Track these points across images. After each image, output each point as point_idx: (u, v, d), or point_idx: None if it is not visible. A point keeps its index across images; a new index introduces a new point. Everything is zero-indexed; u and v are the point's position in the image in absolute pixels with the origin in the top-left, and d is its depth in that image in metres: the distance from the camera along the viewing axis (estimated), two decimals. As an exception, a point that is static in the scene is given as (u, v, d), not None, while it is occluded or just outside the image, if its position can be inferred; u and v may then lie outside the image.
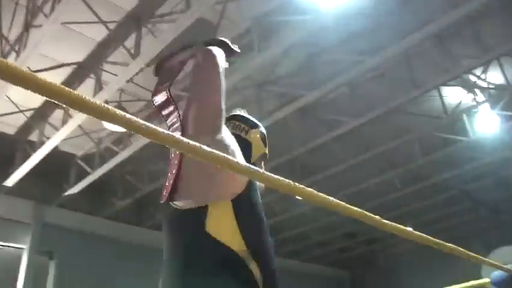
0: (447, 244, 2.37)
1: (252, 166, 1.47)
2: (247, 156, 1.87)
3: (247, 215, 1.64)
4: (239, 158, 1.67)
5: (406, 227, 2.12)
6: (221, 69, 1.86)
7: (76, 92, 1.02)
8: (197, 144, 1.22)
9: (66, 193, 8.57)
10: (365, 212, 1.80)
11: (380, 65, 6.54)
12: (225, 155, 1.33)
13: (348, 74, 6.24)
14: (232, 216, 1.58)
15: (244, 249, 1.54)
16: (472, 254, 2.71)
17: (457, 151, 8.70)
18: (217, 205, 1.58)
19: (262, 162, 2.06)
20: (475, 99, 7.64)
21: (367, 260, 14.46)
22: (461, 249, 2.51)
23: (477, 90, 7.53)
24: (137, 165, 9.11)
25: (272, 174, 1.45)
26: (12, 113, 7.26)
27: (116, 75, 6.15)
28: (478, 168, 9.30)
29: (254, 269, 1.53)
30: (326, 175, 8.76)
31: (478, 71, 7.21)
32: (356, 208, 1.75)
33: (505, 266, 3.14)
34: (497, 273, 3.30)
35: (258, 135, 2.04)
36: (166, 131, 1.18)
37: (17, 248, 8.68)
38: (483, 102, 7.61)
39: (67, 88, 1.00)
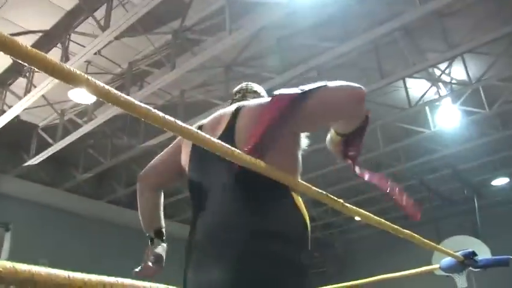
0: (404, 230, 2.46)
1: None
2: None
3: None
4: None
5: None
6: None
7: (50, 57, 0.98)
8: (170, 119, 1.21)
9: (26, 164, 8.39)
10: (328, 194, 1.83)
11: (349, 53, 6.62)
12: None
13: (317, 59, 6.29)
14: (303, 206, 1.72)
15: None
16: (427, 240, 2.83)
17: (418, 142, 8.97)
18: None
19: None
20: (438, 92, 7.85)
21: (324, 244, 14.80)
22: (417, 235, 2.61)
23: (440, 84, 7.74)
24: (100, 139, 9.00)
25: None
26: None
27: (84, 46, 6.01)
28: (436, 159, 9.62)
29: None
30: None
31: (442, 66, 7.41)
32: (319, 190, 1.78)
33: (454, 253, 3.30)
34: (446, 260, 3.46)
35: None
36: (141, 104, 1.15)
37: (-29, 217, 8.48)
38: (445, 96, 7.83)
39: (42, 53, 0.96)
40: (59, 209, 9.42)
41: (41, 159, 8.16)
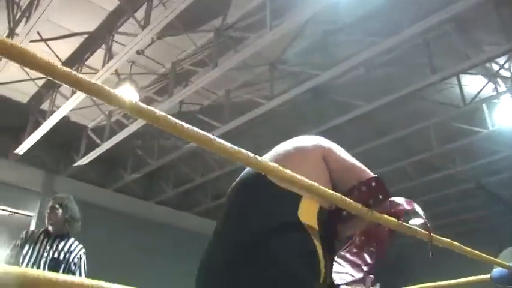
0: (441, 238, 2.22)
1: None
2: None
3: (325, 227, 1.65)
4: None
5: None
6: None
7: (73, 72, 0.99)
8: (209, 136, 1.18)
9: (75, 164, 8.58)
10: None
11: (397, 48, 6.31)
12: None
13: (363, 54, 6.01)
14: (316, 217, 1.62)
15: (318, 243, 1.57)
16: (468, 249, 2.60)
17: (475, 143, 8.44)
18: (310, 200, 1.61)
19: None
20: (495, 88, 7.35)
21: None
22: (456, 243, 2.36)
23: (499, 80, 7.23)
24: (147, 139, 9.09)
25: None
26: (21, 81, 7.23)
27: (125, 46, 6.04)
28: (495, 161, 9.03)
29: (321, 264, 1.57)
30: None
31: (501, 60, 6.92)
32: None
33: (507, 263, 2.99)
34: (498, 270, 3.14)
35: None
36: (169, 117, 1.12)
37: (26, 215, 8.77)
38: (504, 92, 7.30)
39: (64, 68, 0.97)
40: (108, 209, 9.58)
41: (90, 159, 8.32)
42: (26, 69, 5.53)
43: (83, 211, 9.18)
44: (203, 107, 8.06)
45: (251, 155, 1.27)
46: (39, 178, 8.90)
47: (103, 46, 6.58)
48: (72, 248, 3.44)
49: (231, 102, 7.64)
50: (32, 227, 8.55)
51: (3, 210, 8.45)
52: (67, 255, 3.38)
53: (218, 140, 1.20)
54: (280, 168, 1.33)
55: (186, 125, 1.13)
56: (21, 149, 8.07)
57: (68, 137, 8.96)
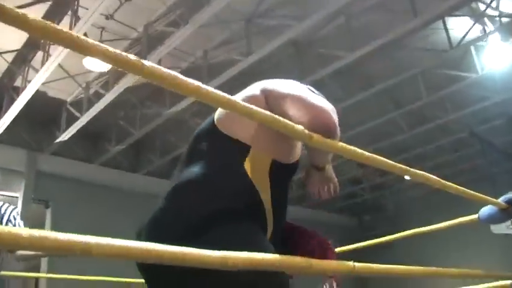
0: (453, 185, 2.22)
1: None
2: None
3: (277, 180, 1.61)
4: None
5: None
6: None
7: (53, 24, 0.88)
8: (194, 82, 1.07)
9: (57, 140, 8.36)
10: (371, 154, 1.59)
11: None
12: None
13: (342, 1, 5.71)
14: (268, 167, 1.59)
15: (269, 199, 1.57)
16: (480, 194, 2.48)
17: (465, 89, 8.19)
18: (258, 154, 1.58)
19: None
20: (483, 30, 7.05)
21: (375, 206, 14.24)
22: (468, 190, 2.36)
23: (486, 20, 6.94)
24: (129, 109, 8.84)
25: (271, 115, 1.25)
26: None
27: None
28: (486, 108, 8.79)
29: (269, 219, 1.57)
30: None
31: (487, -1, 6.63)
32: (362, 151, 1.54)
33: (496, 200, 2.81)
34: (486, 209, 2.94)
35: None
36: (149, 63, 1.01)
37: (12, 196, 8.58)
38: (492, 32, 7.01)
39: (47, 22, 0.87)
40: (96, 183, 9.41)
41: (71, 134, 8.08)
42: None
43: (70, 188, 9.12)
44: (182, 70, 7.78)
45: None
46: (22, 158, 8.68)
47: (69, 13, 6.26)
48: (3, 211, 3.20)
49: (209, 63, 7.37)
50: (19, 208, 8.38)
51: (-13, 192, 8.25)
52: None
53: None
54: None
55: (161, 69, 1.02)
56: (-1, 129, 7.84)
57: (48, 114, 8.71)
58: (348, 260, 1.33)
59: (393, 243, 12.59)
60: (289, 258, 1.10)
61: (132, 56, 1.00)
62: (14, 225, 3.17)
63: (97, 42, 0.94)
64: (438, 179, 2.25)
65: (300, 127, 1.27)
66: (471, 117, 9.10)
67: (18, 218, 3.25)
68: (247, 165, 1.55)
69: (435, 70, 7.68)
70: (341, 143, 1.50)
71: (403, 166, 1.95)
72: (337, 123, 1.53)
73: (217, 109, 1.71)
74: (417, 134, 9.45)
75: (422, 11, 6.08)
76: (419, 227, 3.32)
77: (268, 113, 1.22)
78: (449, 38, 6.95)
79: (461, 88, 8.01)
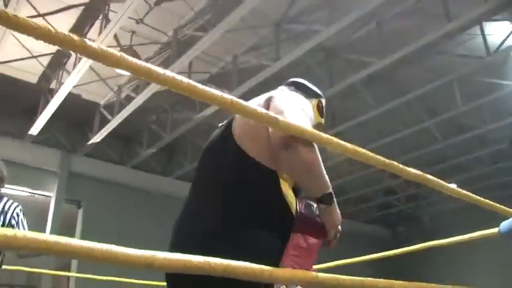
0: (494, 204, 2.35)
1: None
2: None
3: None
4: None
5: (449, 183, 1.99)
6: None
7: (74, 36, 0.99)
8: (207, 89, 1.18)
9: (89, 142, 8.52)
10: (399, 165, 1.78)
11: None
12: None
13: (373, 4, 5.56)
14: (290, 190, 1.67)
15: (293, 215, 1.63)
16: (488, 201, 2.49)
17: (504, 97, 7.84)
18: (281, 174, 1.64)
19: None
20: (524, 35, 6.73)
21: (410, 217, 13.85)
22: (501, 206, 2.46)
23: (526, 25, 6.63)
24: (160, 113, 8.93)
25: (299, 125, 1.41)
26: (24, 59, 7.14)
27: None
28: (529, 117, 8.39)
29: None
30: (356, 123, 8.18)
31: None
32: (389, 161, 1.73)
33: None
34: (508, 222, 2.76)
35: (314, 103, 1.98)
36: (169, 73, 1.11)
37: (45, 196, 8.81)
38: (533, 38, 6.68)
39: (64, 33, 0.98)
40: (128, 186, 9.54)
41: (102, 136, 8.24)
42: (29, 47, 5.44)
43: (101, 189, 9.27)
44: (212, 76, 7.80)
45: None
46: (56, 158, 8.90)
47: (101, 17, 6.38)
48: (6, 208, 3.24)
49: (239, 68, 7.35)
50: (52, 208, 8.59)
51: (23, 191, 8.49)
52: (2, 216, 3.19)
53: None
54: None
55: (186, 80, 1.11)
56: (35, 130, 8.06)
57: (82, 116, 8.91)
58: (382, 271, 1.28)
59: (431, 257, 12.20)
60: (245, 266, 1.03)
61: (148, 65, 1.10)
62: (17, 222, 3.22)
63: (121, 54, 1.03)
64: (464, 192, 2.18)
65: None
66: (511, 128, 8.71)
67: (21, 214, 3.29)
68: (284, 189, 1.63)
69: (472, 77, 7.37)
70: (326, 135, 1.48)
71: (415, 171, 1.91)
72: (315, 159, 1.57)
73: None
74: (453, 144, 9.11)
75: (457, 15, 5.85)
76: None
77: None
78: (486, 43, 6.67)
79: (500, 96, 7.68)
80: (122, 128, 8.44)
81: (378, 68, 6.66)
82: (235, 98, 1.27)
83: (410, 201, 12.87)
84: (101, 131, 8.13)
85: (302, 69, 7.53)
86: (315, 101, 1.98)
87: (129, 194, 9.52)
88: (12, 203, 3.33)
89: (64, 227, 8.58)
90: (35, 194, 8.71)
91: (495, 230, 2.89)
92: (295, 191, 1.71)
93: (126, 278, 5.37)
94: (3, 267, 3.35)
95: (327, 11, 6.14)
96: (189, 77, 7.53)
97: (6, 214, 3.23)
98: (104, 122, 8.29)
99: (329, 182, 1.62)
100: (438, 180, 2.10)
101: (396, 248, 3.98)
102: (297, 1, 6.33)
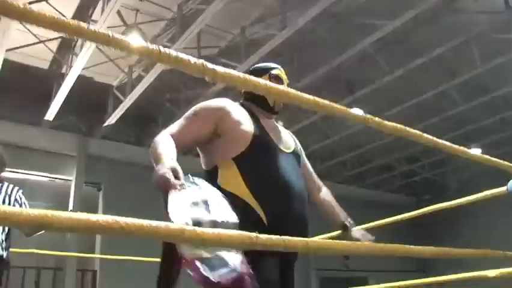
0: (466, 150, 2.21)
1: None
2: (268, 108, 2.10)
3: (252, 171, 1.86)
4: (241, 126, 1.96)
5: (471, 148, 1.92)
6: None
7: (74, 21, 0.98)
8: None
9: (105, 124, 8.55)
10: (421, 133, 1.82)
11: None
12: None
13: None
14: (237, 171, 1.85)
15: (250, 196, 1.79)
16: (496, 159, 2.38)
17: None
18: (223, 165, 1.89)
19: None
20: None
21: (436, 185, 13.56)
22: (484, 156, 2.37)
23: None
24: (173, 92, 8.87)
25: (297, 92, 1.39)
26: (31, 44, 7.14)
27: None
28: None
29: (259, 211, 1.77)
30: (371, 89, 7.96)
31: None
32: (411, 130, 1.78)
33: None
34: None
35: (265, 79, 2.05)
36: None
37: (66, 180, 8.92)
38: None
39: (64, 19, 0.98)
40: (146, 165, 9.52)
41: (117, 117, 8.24)
42: (36, 32, 5.41)
43: (120, 170, 9.33)
44: (221, 49, 7.68)
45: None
46: (73, 142, 8.98)
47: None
48: (9, 191, 3.27)
49: (248, 40, 7.20)
50: (72, 191, 8.71)
51: (42, 176, 8.62)
52: (7, 198, 3.22)
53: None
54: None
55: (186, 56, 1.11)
56: (50, 115, 8.12)
57: (96, 99, 8.92)
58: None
59: (457, 222, 11.94)
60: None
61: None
62: (21, 205, 3.25)
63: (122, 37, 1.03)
64: (485, 156, 2.13)
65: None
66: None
67: (23, 197, 3.32)
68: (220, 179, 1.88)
69: (491, 35, 7.03)
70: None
71: (432, 137, 1.92)
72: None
73: None
74: (475, 106, 8.78)
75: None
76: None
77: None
78: (505, -2, 6.33)
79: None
80: (137, 109, 8.43)
81: (390, 30, 6.41)
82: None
83: (435, 168, 12.58)
84: (115, 112, 8.13)
85: (312, 37, 7.35)
86: (264, 77, 2.08)
87: (149, 174, 9.50)
88: (14, 186, 3.37)
89: (85, 210, 8.63)
90: (55, 178, 8.83)
91: (503, 188, 2.76)
92: None
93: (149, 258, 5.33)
94: (35, 251, 3.42)
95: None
96: (198, 52, 7.52)
97: (10, 197, 3.27)
98: (118, 103, 8.28)
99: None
100: (456, 146, 2.08)
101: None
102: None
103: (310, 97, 1.35)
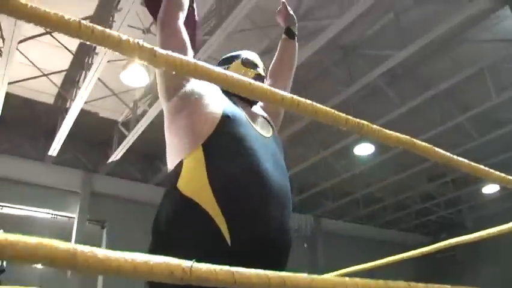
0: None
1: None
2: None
3: (220, 161, 1.44)
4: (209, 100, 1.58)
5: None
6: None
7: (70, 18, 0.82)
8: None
9: (109, 160, 8.39)
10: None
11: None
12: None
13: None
14: (203, 166, 1.42)
15: (216, 206, 1.34)
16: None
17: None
18: (190, 157, 1.47)
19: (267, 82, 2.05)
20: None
21: (452, 224, 13.07)
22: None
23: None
24: (180, 127, 8.71)
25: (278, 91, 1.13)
26: (35, 78, 7.09)
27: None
28: None
29: (220, 224, 1.32)
30: (382, 123, 7.69)
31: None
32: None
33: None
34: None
35: (238, 64, 1.90)
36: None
37: (69, 217, 8.70)
38: None
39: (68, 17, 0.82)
40: (151, 203, 9.30)
41: (121, 153, 8.07)
42: (40, 66, 5.29)
43: (125, 208, 9.10)
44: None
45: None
46: (78, 178, 8.81)
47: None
48: None
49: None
50: (75, 229, 8.47)
51: (45, 213, 8.42)
52: None
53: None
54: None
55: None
56: (54, 150, 7.98)
57: (101, 134, 8.81)
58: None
59: (476, 261, 11.38)
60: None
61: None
62: None
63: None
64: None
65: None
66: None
67: None
68: (181, 181, 1.46)
69: (504, 65, 6.81)
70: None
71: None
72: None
73: None
74: (491, 140, 8.45)
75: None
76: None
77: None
78: (516, 26, 6.14)
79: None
80: (142, 145, 8.29)
81: (399, 60, 6.22)
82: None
83: (451, 207, 12.14)
84: (119, 148, 7.97)
85: (319, 70, 7.20)
86: (236, 62, 1.91)
87: (154, 212, 9.30)
88: None
89: (88, 248, 8.43)
90: (57, 215, 8.61)
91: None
92: None
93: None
94: None
95: (336, 4, 5.79)
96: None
97: None
98: (123, 139, 8.13)
99: None
100: (474, 164, 1.74)
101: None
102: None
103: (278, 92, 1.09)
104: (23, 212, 8.02)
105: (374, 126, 1.20)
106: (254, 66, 1.90)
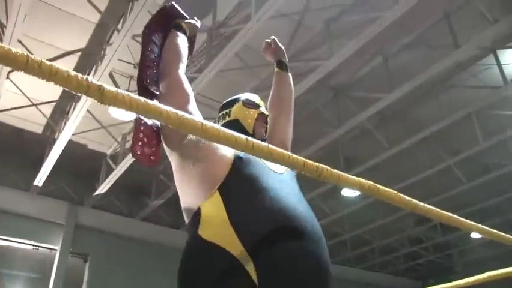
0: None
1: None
2: (246, 134, 1.69)
3: (239, 201, 1.44)
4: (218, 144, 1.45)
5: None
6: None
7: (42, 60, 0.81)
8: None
9: (95, 193, 8.29)
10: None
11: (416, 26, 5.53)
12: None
13: (370, 30, 5.21)
14: (223, 208, 1.41)
15: (240, 246, 1.32)
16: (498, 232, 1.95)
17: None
18: (207, 203, 1.46)
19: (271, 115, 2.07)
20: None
21: (441, 268, 12.93)
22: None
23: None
24: (168, 163, 8.65)
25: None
26: (23, 107, 7.08)
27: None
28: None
29: (251, 271, 1.30)
30: (370, 165, 7.69)
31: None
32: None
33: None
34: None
35: (239, 106, 1.97)
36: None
37: (51, 249, 8.52)
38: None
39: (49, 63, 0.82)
40: (136, 238, 9.19)
41: (107, 187, 7.99)
42: (30, 96, 5.31)
43: (109, 242, 8.94)
44: (215, 121, 7.53)
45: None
46: (62, 210, 8.68)
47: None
48: None
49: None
50: (56, 261, 8.28)
51: (27, 244, 8.24)
52: None
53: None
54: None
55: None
56: (40, 180, 7.89)
57: (89, 167, 8.73)
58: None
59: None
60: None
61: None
62: None
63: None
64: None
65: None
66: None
67: None
68: (202, 229, 1.43)
69: (491, 111, 6.89)
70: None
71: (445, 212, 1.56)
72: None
73: None
74: (480, 185, 8.45)
75: (465, 42, 5.47)
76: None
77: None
78: (502, 72, 6.22)
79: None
80: (130, 179, 8.22)
81: (388, 103, 6.27)
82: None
83: (439, 251, 12.03)
84: (105, 181, 7.90)
85: (309, 110, 7.24)
86: (237, 105, 1.97)
87: (138, 248, 9.15)
88: None
89: (69, 283, 8.24)
90: (39, 247, 8.43)
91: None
92: None
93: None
94: None
95: (326, 46, 5.88)
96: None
97: None
98: (111, 172, 8.07)
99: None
100: (461, 219, 1.70)
101: None
102: (295, 41, 6.09)
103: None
104: (4, 242, 7.86)
105: (334, 170, 1.17)
106: (256, 106, 1.95)
